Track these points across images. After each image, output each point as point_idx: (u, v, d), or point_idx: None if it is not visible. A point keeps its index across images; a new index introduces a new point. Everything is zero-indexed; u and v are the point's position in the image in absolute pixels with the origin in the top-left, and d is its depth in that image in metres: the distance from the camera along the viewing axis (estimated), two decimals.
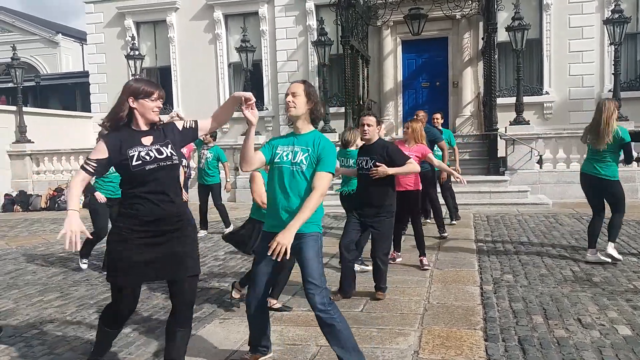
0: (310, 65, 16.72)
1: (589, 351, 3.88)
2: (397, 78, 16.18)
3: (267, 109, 17.14)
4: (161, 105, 3.19)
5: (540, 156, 12.12)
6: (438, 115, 9.75)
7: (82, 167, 3.12)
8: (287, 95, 3.50)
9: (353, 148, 6.25)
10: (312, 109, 3.50)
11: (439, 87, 16.21)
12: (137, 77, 14.92)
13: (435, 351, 3.96)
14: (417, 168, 5.48)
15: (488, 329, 4.38)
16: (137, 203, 3.09)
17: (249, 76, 14.36)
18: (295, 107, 3.46)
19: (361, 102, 14.75)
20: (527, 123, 12.41)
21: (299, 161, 3.43)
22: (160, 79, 18.46)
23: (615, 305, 4.85)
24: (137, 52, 15.67)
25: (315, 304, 3.34)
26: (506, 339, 4.17)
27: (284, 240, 3.20)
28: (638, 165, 11.83)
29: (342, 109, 14.23)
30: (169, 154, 3.14)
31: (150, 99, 3.11)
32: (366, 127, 5.20)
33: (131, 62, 15.49)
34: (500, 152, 12.54)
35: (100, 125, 3.27)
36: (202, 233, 8.83)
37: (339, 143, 6.84)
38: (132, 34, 17.53)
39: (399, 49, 16.18)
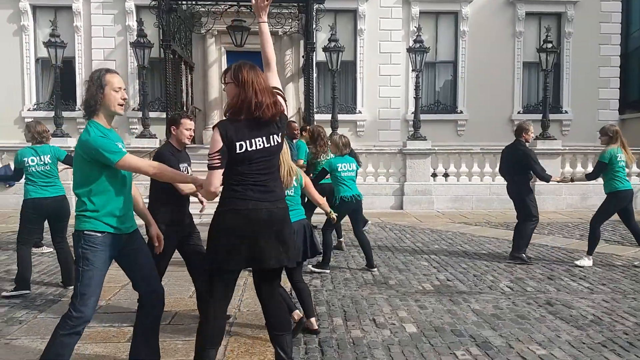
0: (129, 67, 15.95)
1: (379, 349, 4.23)
2: (222, 87, 16.12)
3: (79, 109, 15.93)
4: None
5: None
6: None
7: None
8: (118, 89, 3.27)
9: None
10: None
11: None
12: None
13: (239, 358, 4.00)
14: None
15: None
16: None
17: (58, 73, 13.23)
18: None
19: (184, 108, 14.45)
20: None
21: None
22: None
23: (406, 305, 5.36)
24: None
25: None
26: (307, 341, 4.37)
27: None
28: (435, 180, 13.27)
29: (164, 114, 13.81)
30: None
31: None
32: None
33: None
34: None
35: None
36: None
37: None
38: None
39: (224, 58, 16.17)
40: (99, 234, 3.18)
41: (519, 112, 16.92)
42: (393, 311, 5.16)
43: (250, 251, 3.10)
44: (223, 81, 3.24)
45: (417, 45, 13.32)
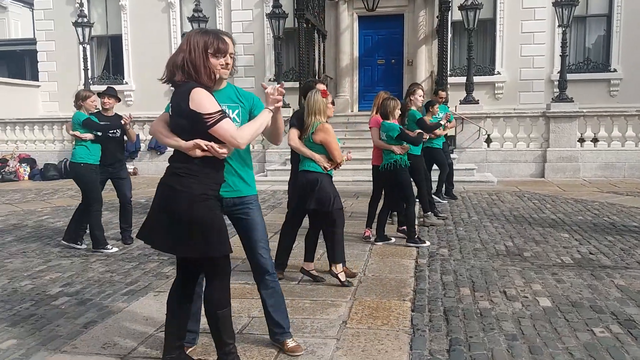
0: (266, 38, 16.51)
1: (509, 322, 4.05)
2: (353, 54, 16.14)
3: None
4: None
5: (488, 135, 12.38)
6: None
7: None
8: (223, 53, 3.01)
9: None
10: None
11: (394, 64, 16.27)
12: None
13: (363, 321, 4.06)
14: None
15: (416, 300, 4.52)
16: None
17: None
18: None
19: (317, 77, 14.69)
20: (477, 102, 12.64)
21: (232, 119, 3.14)
22: (110, 48, 18.00)
23: (541, 278, 5.06)
24: (85, 20, 15.14)
25: (268, 267, 3.46)
26: (432, 309, 4.31)
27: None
28: (582, 146, 12.27)
29: (297, 84, 14.16)
30: None
31: None
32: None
33: (79, 30, 14.96)
34: (450, 131, 12.75)
35: None
36: None
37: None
38: (81, 1, 16.91)
39: (356, 24, 16.12)
40: None
41: None
42: (526, 284, 4.90)
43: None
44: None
45: None
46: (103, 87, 7.06)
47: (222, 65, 3.02)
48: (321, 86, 4.92)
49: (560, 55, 12.66)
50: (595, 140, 12.38)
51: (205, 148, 2.88)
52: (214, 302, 3.08)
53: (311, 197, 4.73)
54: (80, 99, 6.39)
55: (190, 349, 3.51)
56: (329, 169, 4.78)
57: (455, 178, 10.52)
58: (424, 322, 4.05)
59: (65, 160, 14.05)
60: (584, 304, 4.37)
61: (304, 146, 4.80)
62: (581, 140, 12.39)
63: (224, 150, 2.94)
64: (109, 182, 6.71)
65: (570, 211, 8.30)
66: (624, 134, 12.19)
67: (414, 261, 5.64)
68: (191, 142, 2.89)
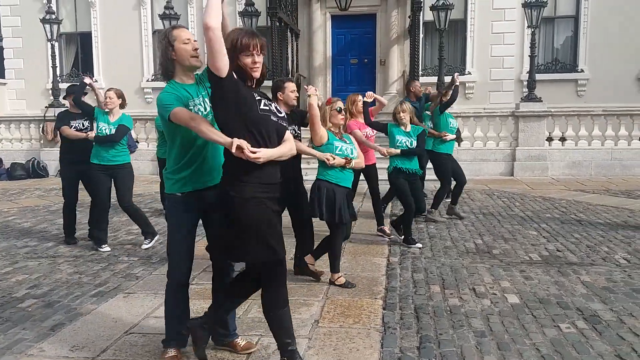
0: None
1: (477, 318, 4.12)
2: (326, 53, 16.16)
3: None
4: None
5: (459, 134, 12.52)
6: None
7: None
8: (187, 41, 3.17)
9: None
10: None
11: (367, 64, 16.34)
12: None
13: (334, 320, 4.08)
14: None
15: (388, 298, 4.57)
16: None
17: None
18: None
19: (289, 76, 14.67)
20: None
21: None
22: (80, 45, 17.68)
23: (510, 275, 5.16)
24: (53, 16, 14.82)
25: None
26: (403, 307, 4.36)
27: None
28: (550, 145, 12.52)
29: (270, 82, 14.10)
30: None
31: None
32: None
33: (47, 27, 14.65)
34: None
35: None
36: None
37: None
38: None
39: (329, 23, 16.13)
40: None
41: None
42: (495, 281, 4.99)
43: None
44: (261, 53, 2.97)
45: None
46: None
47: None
48: (291, 85, 4.90)
49: (529, 56, 12.87)
50: (563, 139, 12.64)
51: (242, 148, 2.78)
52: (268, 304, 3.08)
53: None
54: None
55: None
56: (332, 163, 4.70)
57: (427, 176, 10.61)
58: (395, 320, 4.09)
59: (33, 159, 13.76)
60: (551, 300, 4.47)
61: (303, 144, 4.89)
62: (549, 139, 12.64)
63: (257, 156, 2.81)
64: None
65: (538, 209, 8.46)
66: (590, 133, 12.46)
67: (386, 259, 5.69)
68: (229, 140, 2.84)
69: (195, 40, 3.23)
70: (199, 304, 4.41)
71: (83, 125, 6.46)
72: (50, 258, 5.99)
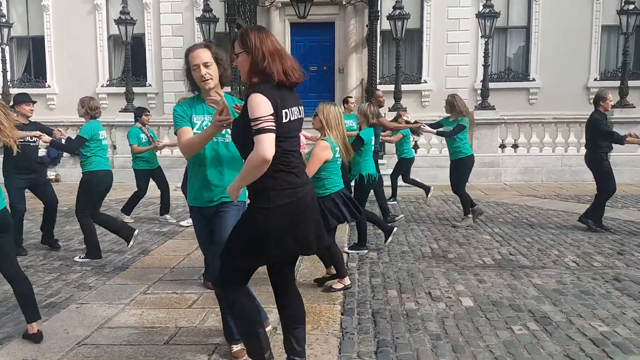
0: (197, 42, 16.23)
1: (433, 322, 4.19)
2: None
3: (150, 85, 16.51)
4: None
5: (415, 141, 12.72)
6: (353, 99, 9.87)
7: None
8: (195, 67, 3.21)
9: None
10: (223, 74, 3.32)
11: (326, 72, 16.45)
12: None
13: None
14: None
15: (346, 303, 4.60)
16: None
17: (129, 50, 13.70)
18: (212, 78, 3.23)
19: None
20: (404, 110, 12.97)
21: (224, 132, 3.20)
22: (32, 50, 17.19)
23: (464, 279, 5.27)
24: (4, 19, 14.38)
25: None
26: (361, 312, 4.40)
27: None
28: (503, 151, 12.86)
29: (229, 89, 14.05)
30: None
31: None
32: None
33: None
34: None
35: None
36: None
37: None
38: None
39: (288, 31, 16.18)
40: None
41: (595, 79, 15.94)
42: (450, 285, 5.09)
43: (297, 239, 2.84)
44: (232, 54, 2.89)
45: (487, 10, 12.81)
46: (24, 90, 6.75)
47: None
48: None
49: (483, 65, 13.22)
50: (515, 146, 13.00)
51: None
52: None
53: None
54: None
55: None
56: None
57: (385, 183, 10.74)
58: (352, 325, 4.12)
59: None
60: (504, 303, 4.59)
61: None
62: (502, 146, 12.98)
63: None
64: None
65: (491, 214, 8.67)
66: (541, 140, 12.86)
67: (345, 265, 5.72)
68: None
69: (206, 64, 3.22)
70: (154, 314, 4.34)
71: (31, 138, 6.28)
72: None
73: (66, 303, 4.65)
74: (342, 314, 4.34)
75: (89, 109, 6.13)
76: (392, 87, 13.69)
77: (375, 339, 3.88)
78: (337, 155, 4.81)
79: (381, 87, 14.03)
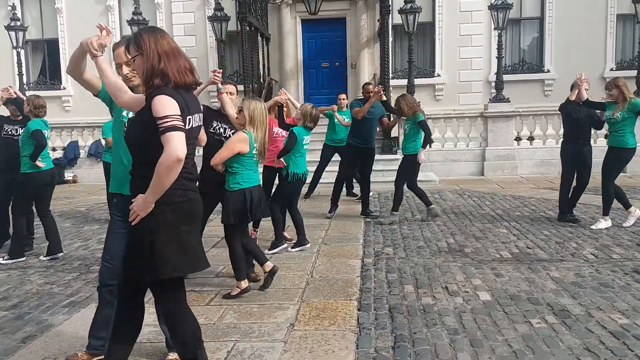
0: (209, 41, 16.32)
1: (450, 316, 4.18)
2: (297, 57, 16.19)
3: None
4: None
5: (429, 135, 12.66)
6: (343, 96, 9.81)
7: None
8: (118, 67, 3.42)
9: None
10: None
11: (338, 67, 16.43)
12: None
13: (310, 322, 4.10)
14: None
15: (362, 299, 4.60)
16: None
17: None
18: (135, 75, 3.27)
19: (261, 81, 14.67)
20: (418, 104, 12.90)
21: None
22: (47, 53, 17.39)
23: (481, 273, 5.24)
24: (18, 23, 14.56)
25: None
26: (378, 307, 4.40)
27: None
28: (519, 144, 12.76)
29: (242, 87, 14.08)
30: None
31: None
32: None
33: (12, 34, 14.38)
34: (394, 132, 12.97)
35: None
36: None
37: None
38: (13, 3, 16.24)
39: (299, 27, 16.17)
40: None
41: (611, 69, 15.72)
42: (467, 279, 5.07)
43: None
44: (128, 58, 2.85)
45: (500, 1, 12.71)
46: (39, 93, 6.83)
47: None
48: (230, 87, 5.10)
49: (496, 57, 13.11)
50: (531, 138, 12.89)
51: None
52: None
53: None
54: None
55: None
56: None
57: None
58: (369, 321, 4.12)
59: None
60: (522, 297, 4.56)
61: None
62: (518, 138, 12.88)
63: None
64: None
65: (508, 207, 8.61)
66: (557, 131, 12.71)
67: (360, 261, 5.73)
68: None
69: (127, 62, 3.31)
70: None
71: (16, 132, 6.36)
72: (20, 269, 5.88)
73: (86, 302, 4.72)
74: (358, 310, 4.35)
75: (34, 107, 6.15)
76: (405, 82, 13.62)
77: (393, 334, 3.88)
78: (254, 152, 4.66)
79: (394, 82, 14.04)
